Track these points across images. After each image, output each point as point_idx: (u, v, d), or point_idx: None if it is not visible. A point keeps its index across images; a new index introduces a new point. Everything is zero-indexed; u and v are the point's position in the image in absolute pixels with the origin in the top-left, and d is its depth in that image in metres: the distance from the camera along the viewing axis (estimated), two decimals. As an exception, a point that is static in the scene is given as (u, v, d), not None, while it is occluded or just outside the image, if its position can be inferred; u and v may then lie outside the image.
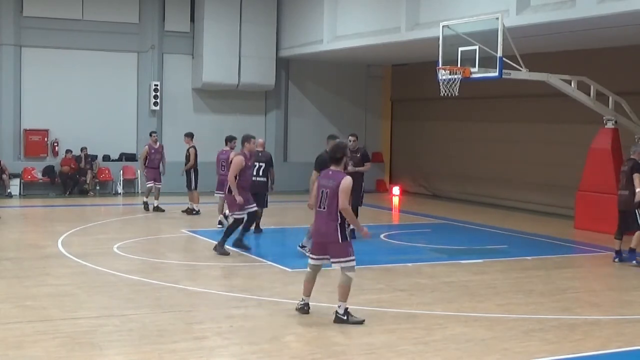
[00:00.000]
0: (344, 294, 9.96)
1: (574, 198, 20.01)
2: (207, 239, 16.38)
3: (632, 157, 15.05)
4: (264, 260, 14.23)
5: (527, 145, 24.37)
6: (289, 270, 13.45)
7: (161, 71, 27.04)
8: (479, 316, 10.48)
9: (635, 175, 14.64)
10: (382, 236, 17.65)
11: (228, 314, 10.34)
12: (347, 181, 9.89)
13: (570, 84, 18.63)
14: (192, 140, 21.25)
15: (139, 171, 24.64)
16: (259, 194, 16.69)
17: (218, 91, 27.62)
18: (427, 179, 28.76)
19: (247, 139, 15.18)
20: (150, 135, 22.32)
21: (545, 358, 8.63)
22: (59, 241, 15.87)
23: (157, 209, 20.93)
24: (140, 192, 25.06)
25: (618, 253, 15.18)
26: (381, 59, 27.78)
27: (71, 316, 10.04)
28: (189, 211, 20.67)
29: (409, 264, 14.30)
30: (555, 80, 18.38)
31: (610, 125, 19.22)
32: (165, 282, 12.24)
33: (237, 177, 14.63)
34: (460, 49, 17.52)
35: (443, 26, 18.05)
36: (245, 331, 9.49)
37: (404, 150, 30.10)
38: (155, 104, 26.63)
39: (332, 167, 10.11)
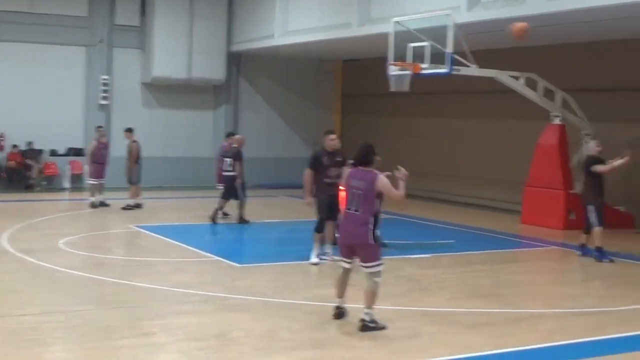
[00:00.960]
0: (371, 301, 9.40)
1: (520, 193, 20.23)
2: (154, 234, 16.27)
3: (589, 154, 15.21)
4: (212, 256, 14.16)
5: (477, 141, 24.57)
6: (237, 265, 13.42)
7: (110, 65, 26.77)
8: (427, 310, 10.55)
9: (594, 167, 14.82)
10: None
11: (175, 310, 10.28)
12: (383, 180, 9.81)
13: (519, 81, 18.82)
14: (132, 134, 21.06)
15: (86, 166, 24.41)
16: (229, 188, 18.18)
17: (168, 86, 27.43)
18: (377, 174, 28.82)
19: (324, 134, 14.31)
20: (97, 129, 21.79)
21: (490, 351, 8.70)
22: (4, 237, 15.63)
23: (101, 204, 20.73)
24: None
25: (582, 247, 15.24)
26: (332, 54, 27.81)
27: (16, 313, 9.90)
28: (128, 207, 20.43)
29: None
30: (504, 76, 18.56)
31: (557, 121, 19.47)
32: (111, 278, 12.13)
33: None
34: (411, 45, 17.64)
35: (394, 22, 18.13)
36: (192, 327, 9.44)
37: (354, 145, 29.97)
38: (104, 98, 26.36)
39: (361, 167, 9.79)
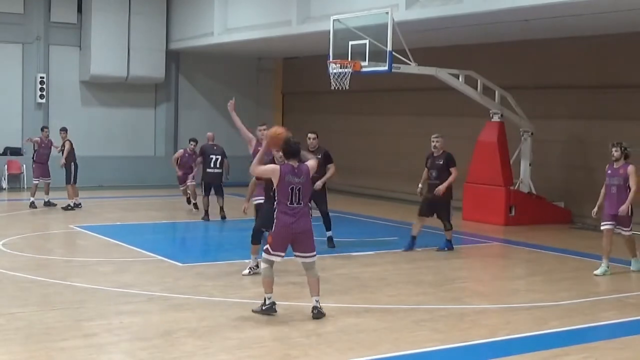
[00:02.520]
0: (318, 288, 9.95)
1: (461, 190, 20.41)
2: (95, 234, 16.08)
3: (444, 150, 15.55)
4: (155, 255, 14.04)
5: (417, 138, 24.64)
6: (180, 264, 13.32)
7: (47, 63, 26.38)
8: (370, 307, 10.58)
9: (454, 169, 15.21)
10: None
11: (118, 310, 10.17)
12: (313, 162, 10.01)
13: (458, 78, 18.99)
14: (67, 134, 20.88)
15: (24, 166, 24.05)
16: (216, 185, 18.81)
17: (107, 84, 27.12)
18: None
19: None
20: (42, 130, 21.38)
21: (435, 347, 8.77)
22: (-59, 238, 15.35)
23: (47, 203, 20.43)
24: (26, 187, 24.39)
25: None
26: (272, 52, 27.77)
27: (-47, 315, 9.72)
28: (68, 207, 20.18)
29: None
30: (443, 74, 18.71)
31: (496, 118, 19.68)
32: (52, 279, 11.95)
33: None
34: (350, 42, 17.68)
35: (334, 20, 18.16)
36: (136, 327, 9.35)
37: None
38: (42, 96, 25.98)
39: (292, 162, 9.71)
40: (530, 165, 20.00)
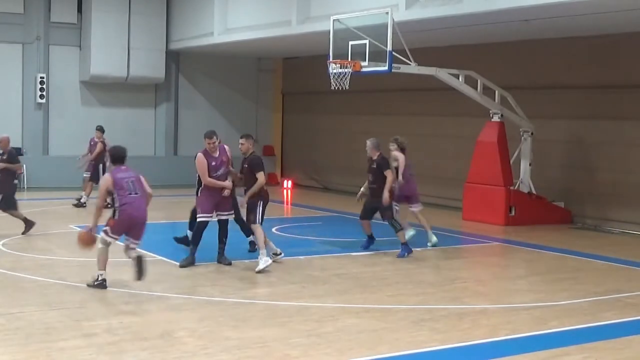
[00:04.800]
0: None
1: (461, 190, 20.42)
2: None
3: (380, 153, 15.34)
4: (155, 255, 14.03)
5: (417, 138, 24.68)
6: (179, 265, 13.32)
7: (47, 63, 26.38)
8: (370, 307, 10.59)
9: (388, 172, 14.92)
10: (273, 229, 17.64)
11: (118, 310, 10.18)
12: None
13: (458, 78, 18.99)
14: (102, 134, 21.39)
15: (24, 166, 24.02)
16: None
17: (107, 84, 27.13)
18: (318, 172, 28.89)
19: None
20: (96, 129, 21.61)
21: (435, 347, 8.78)
22: (-60, 238, 15.35)
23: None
24: (26, 187, 24.38)
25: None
26: (272, 52, 27.78)
27: (-46, 315, 9.73)
28: (78, 202, 20.50)
29: (301, 257, 14.34)
30: (443, 74, 18.71)
31: (496, 118, 19.67)
32: (52, 279, 11.97)
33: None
34: (350, 42, 17.67)
35: (334, 20, 18.15)
36: (136, 327, 9.35)
37: (295, 143, 30.17)
38: (42, 96, 25.98)
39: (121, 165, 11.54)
40: (530, 165, 19.99)
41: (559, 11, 15.82)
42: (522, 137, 20.02)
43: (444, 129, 23.64)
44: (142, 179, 11.54)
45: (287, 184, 28.10)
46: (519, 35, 19.61)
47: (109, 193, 11.32)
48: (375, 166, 15.06)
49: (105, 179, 11.39)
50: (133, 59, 26.83)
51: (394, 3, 17.92)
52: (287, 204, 24.49)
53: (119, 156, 11.64)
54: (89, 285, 11.25)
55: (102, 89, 27.28)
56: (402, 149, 16.11)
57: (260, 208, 13.09)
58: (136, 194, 11.26)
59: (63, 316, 9.73)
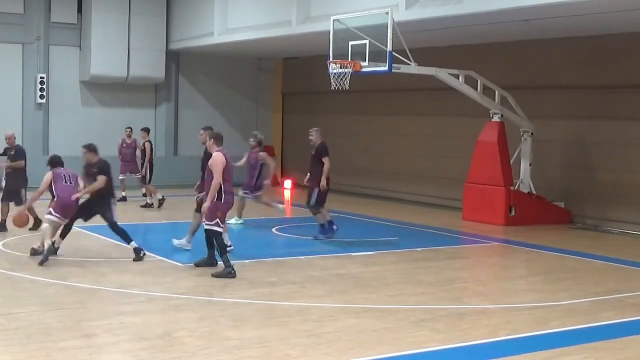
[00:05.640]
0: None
1: (461, 190, 20.41)
2: (95, 234, 16.07)
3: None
4: (154, 255, 14.03)
5: (417, 138, 24.75)
6: (180, 265, 13.33)
7: (47, 63, 26.36)
8: (370, 307, 10.58)
9: (325, 159, 16.01)
10: (273, 229, 17.66)
11: (118, 310, 10.17)
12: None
13: (458, 78, 18.99)
14: (148, 134, 21.77)
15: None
16: None
17: (107, 84, 27.12)
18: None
19: None
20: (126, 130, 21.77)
21: (435, 347, 8.77)
22: (-60, 238, 15.35)
23: (123, 199, 21.06)
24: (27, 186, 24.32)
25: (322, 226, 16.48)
26: (272, 52, 27.77)
27: (-47, 315, 9.72)
28: (146, 204, 21.29)
29: (301, 257, 14.34)
30: (443, 74, 18.71)
31: (496, 118, 19.67)
32: (52, 279, 11.95)
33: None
34: (350, 42, 17.66)
35: (334, 20, 18.14)
36: (136, 327, 9.35)
37: (295, 143, 30.12)
38: (42, 96, 25.95)
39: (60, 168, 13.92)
40: (530, 165, 19.99)
41: (559, 11, 15.82)
42: (522, 137, 20.02)
43: (444, 129, 23.64)
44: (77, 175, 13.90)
45: (288, 184, 28.08)
46: (519, 35, 19.61)
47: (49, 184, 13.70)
48: (314, 153, 16.27)
49: (47, 175, 13.82)
50: (133, 59, 26.82)
51: (394, 3, 17.92)
52: (287, 204, 24.48)
53: (58, 160, 14.22)
54: (36, 256, 13.21)
55: (102, 89, 27.27)
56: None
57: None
58: (71, 182, 13.62)
59: (63, 316, 9.72)
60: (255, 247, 15.52)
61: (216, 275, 12.19)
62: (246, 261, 13.46)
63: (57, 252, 13.49)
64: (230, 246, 13.79)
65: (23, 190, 16.49)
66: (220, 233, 12.49)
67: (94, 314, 10.03)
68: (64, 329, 9.14)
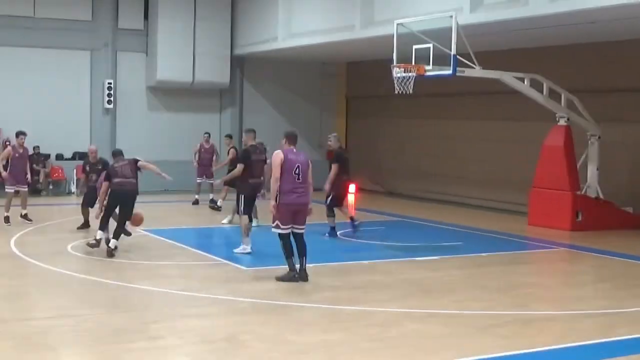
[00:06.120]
0: None
1: (527, 194, 20.20)
2: (162, 238, 16.29)
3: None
4: (219, 259, 14.17)
5: (481, 142, 24.56)
6: (244, 268, 13.42)
7: (115, 69, 26.81)
8: (434, 313, 10.53)
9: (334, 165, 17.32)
10: (337, 234, 17.67)
11: (184, 313, 10.29)
12: None
13: (524, 82, 18.81)
14: (232, 140, 21.98)
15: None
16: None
17: (173, 89, 27.46)
18: (382, 176, 28.84)
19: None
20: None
21: (500, 354, 8.68)
22: (12, 241, 15.66)
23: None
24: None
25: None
26: (336, 56, 27.81)
27: (24, 317, 9.93)
28: (214, 207, 21.85)
29: (365, 262, 14.34)
30: (508, 78, 18.54)
31: (562, 122, 19.43)
32: (120, 281, 12.15)
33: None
34: (414, 46, 17.61)
35: (397, 24, 18.11)
36: (201, 330, 9.44)
37: (359, 148, 30.11)
38: (109, 102, 26.42)
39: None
40: (597, 169, 19.70)
41: (626, 13, 15.57)
42: (589, 141, 19.73)
43: (509, 133, 23.41)
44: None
45: (351, 188, 28.04)
46: (586, 37, 19.35)
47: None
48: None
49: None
50: (198, 64, 27.11)
51: (458, 6, 17.81)
52: (351, 208, 24.45)
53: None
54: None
55: (168, 94, 27.61)
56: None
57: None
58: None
59: (130, 318, 9.87)
60: (319, 252, 15.51)
61: (279, 279, 12.23)
62: (310, 265, 13.47)
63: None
64: (249, 251, 14.43)
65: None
66: (281, 235, 12.24)
67: (160, 316, 10.16)
68: (131, 331, 9.28)
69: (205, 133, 23.79)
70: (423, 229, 19.43)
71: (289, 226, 12.17)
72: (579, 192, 19.26)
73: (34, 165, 25.27)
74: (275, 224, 12.15)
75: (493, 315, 10.43)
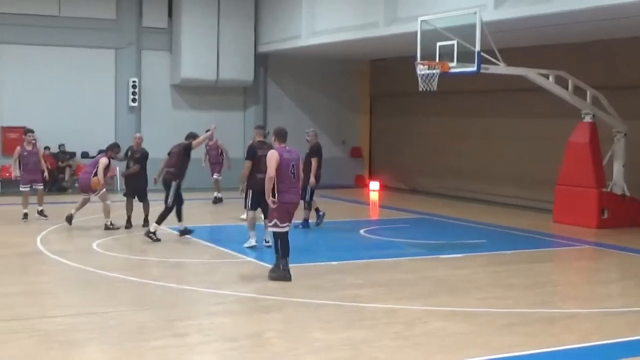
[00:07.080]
0: None
1: (552, 192, 20.09)
2: (186, 236, 16.32)
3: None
4: (244, 257, 14.20)
5: (506, 139, 24.46)
6: (269, 266, 13.40)
7: (139, 67, 26.95)
8: (458, 310, 10.49)
9: (314, 159, 17.70)
10: (361, 231, 17.67)
11: (208, 311, 10.33)
12: None
13: (549, 79, 18.70)
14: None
15: (117, 168, 24.48)
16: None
17: (197, 87, 27.55)
18: (406, 173, 28.79)
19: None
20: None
21: (525, 352, 8.64)
22: (38, 239, 15.78)
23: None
24: (119, 189, 24.86)
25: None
26: (359, 54, 27.78)
27: (49, 314, 9.99)
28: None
29: (389, 259, 14.32)
30: (533, 74, 18.45)
31: (588, 119, 19.31)
32: (144, 279, 12.21)
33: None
34: (438, 43, 17.53)
35: (421, 21, 18.06)
36: (225, 327, 9.48)
37: (383, 145, 30.13)
38: (134, 100, 26.57)
39: None
40: (623, 166, 19.55)
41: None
42: (615, 138, 19.58)
43: (534, 130, 23.29)
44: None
45: (375, 186, 28.09)
46: (610, 33, 19.21)
47: None
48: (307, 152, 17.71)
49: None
50: (222, 62, 27.19)
51: (483, 3, 17.74)
52: (374, 206, 24.49)
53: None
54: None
55: (192, 92, 27.71)
56: None
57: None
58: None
59: (155, 316, 9.91)
60: (343, 249, 15.55)
61: (273, 278, 12.13)
62: (334, 263, 13.50)
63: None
64: (254, 245, 14.89)
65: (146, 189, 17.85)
66: (279, 233, 12.18)
67: (185, 313, 10.20)
68: (156, 328, 9.32)
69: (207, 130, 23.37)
70: (447, 227, 19.38)
71: (287, 224, 12.18)
72: (604, 189, 19.13)
73: (60, 163, 25.49)
74: (273, 222, 12.12)
75: (518, 313, 10.39)
